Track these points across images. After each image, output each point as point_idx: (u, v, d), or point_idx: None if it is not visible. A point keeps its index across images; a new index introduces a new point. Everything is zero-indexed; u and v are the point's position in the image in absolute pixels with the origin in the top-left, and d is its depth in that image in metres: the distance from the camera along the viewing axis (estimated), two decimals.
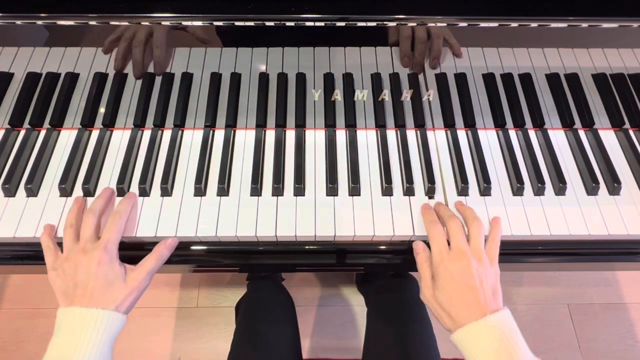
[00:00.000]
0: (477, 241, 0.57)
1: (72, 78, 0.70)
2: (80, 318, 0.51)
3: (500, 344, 0.50)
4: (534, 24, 0.59)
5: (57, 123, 0.70)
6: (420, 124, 0.71)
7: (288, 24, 0.58)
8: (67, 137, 0.70)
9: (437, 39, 0.63)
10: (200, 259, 0.66)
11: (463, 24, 0.59)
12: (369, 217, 0.63)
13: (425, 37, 0.62)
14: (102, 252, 0.54)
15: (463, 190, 0.65)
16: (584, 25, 0.59)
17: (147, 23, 0.58)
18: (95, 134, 0.71)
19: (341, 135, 0.71)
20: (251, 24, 0.59)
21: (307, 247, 0.65)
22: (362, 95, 0.69)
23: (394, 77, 0.69)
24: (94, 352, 0.50)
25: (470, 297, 0.53)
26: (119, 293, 0.54)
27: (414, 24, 0.59)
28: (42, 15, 0.57)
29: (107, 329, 0.52)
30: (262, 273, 1.15)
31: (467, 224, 0.59)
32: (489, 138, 0.72)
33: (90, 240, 0.56)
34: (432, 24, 0.59)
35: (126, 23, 0.58)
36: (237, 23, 0.59)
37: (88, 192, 0.64)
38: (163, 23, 0.59)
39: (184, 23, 0.59)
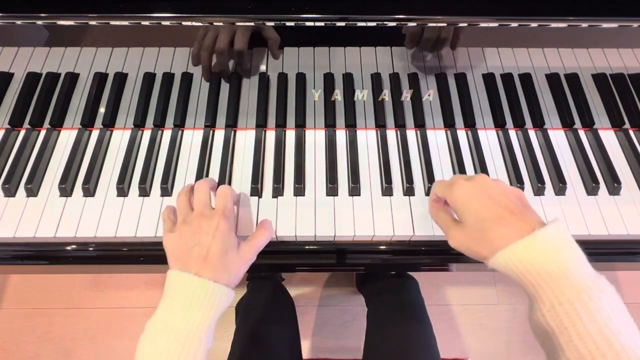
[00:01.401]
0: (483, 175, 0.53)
1: (72, 78, 0.70)
2: (195, 287, 0.49)
3: (554, 263, 0.43)
4: (534, 24, 0.59)
5: (57, 123, 0.70)
6: (420, 124, 0.71)
7: (288, 24, 0.58)
8: (67, 137, 0.70)
9: (441, 44, 0.64)
10: None
11: (463, 24, 0.59)
12: (369, 217, 0.63)
13: (434, 38, 0.63)
14: (222, 218, 0.53)
15: None
16: (584, 25, 0.59)
17: (147, 23, 0.58)
18: (95, 134, 0.71)
19: (341, 135, 0.71)
20: (251, 24, 0.59)
21: (307, 247, 0.65)
22: (362, 95, 0.69)
23: (394, 77, 0.69)
24: (202, 325, 0.48)
25: (499, 208, 0.47)
26: (232, 262, 0.53)
27: (414, 24, 0.59)
28: (42, 15, 0.57)
29: (218, 304, 0.50)
30: (262, 273, 1.15)
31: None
32: (489, 138, 0.72)
33: (207, 205, 0.55)
34: (433, 24, 0.59)
35: (126, 23, 0.58)
36: (237, 23, 0.59)
37: (88, 192, 0.64)
38: (163, 23, 0.59)
39: (184, 23, 0.58)
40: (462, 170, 0.66)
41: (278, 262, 0.68)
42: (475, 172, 0.67)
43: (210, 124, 0.70)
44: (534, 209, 0.49)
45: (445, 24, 0.59)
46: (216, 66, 0.67)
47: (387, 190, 0.65)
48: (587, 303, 0.40)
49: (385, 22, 0.59)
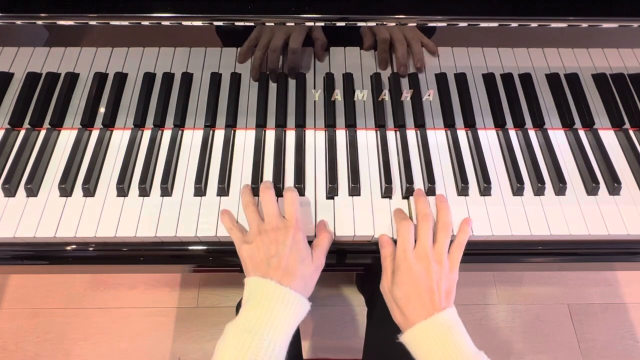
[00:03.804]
0: (442, 247, 0.58)
1: (72, 78, 0.70)
2: (276, 295, 0.52)
3: (445, 341, 0.52)
4: (534, 24, 0.59)
5: (57, 123, 0.70)
6: (420, 124, 0.71)
7: (288, 24, 0.58)
8: (67, 137, 0.70)
9: (414, 42, 0.63)
10: (200, 259, 0.66)
11: (463, 24, 0.59)
12: (369, 217, 0.63)
13: (403, 38, 0.63)
14: (296, 229, 0.56)
15: (463, 190, 0.65)
16: (584, 25, 0.59)
17: (147, 23, 0.58)
18: (95, 134, 0.71)
19: (341, 135, 0.71)
20: (251, 24, 0.59)
21: None
22: (362, 95, 0.69)
23: (394, 77, 0.69)
24: (284, 332, 0.51)
25: (425, 297, 0.55)
26: (308, 271, 0.56)
27: (414, 24, 0.59)
28: (42, 15, 0.57)
29: (297, 312, 0.53)
30: None
31: (437, 227, 0.60)
32: (489, 138, 0.72)
33: (278, 216, 0.58)
34: (434, 24, 0.59)
35: (126, 23, 0.58)
36: (237, 23, 0.59)
37: (88, 192, 0.64)
38: (163, 23, 0.59)
39: (184, 23, 0.58)
40: (462, 170, 0.66)
41: None
42: (476, 172, 0.67)
43: (210, 124, 0.70)
44: (454, 295, 0.57)
45: (445, 24, 0.59)
46: (268, 64, 0.67)
47: (387, 191, 0.65)
48: None
49: (385, 22, 0.59)
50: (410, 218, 0.63)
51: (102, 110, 0.70)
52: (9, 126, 0.71)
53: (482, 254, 0.66)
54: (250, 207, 0.60)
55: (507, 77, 0.71)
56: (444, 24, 0.59)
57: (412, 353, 0.55)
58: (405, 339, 0.55)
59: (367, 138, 0.71)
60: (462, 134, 0.71)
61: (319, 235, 0.60)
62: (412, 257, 0.57)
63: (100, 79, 0.70)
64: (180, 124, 0.70)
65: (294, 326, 0.52)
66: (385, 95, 0.69)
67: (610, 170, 0.67)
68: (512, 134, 0.72)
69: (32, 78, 0.69)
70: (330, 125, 0.70)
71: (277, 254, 0.54)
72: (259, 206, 0.61)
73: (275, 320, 0.50)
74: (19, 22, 0.58)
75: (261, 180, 0.66)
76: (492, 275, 1.46)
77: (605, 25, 0.59)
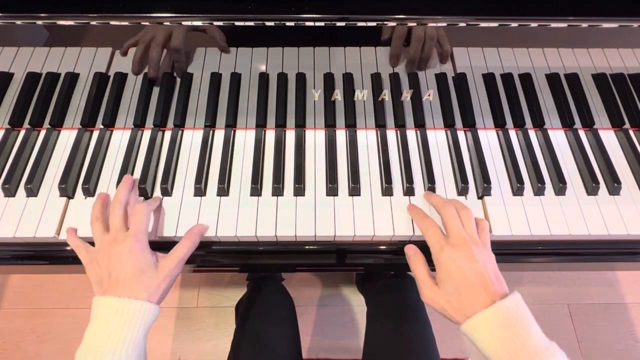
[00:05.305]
0: (471, 227, 0.57)
1: (72, 78, 0.70)
2: (114, 308, 0.52)
3: (512, 330, 0.48)
4: (534, 24, 0.59)
5: (57, 123, 0.70)
6: (420, 124, 0.71)
7: (288, 24, 0.58)
8: (67, 137, 0.70)
9: (430, 41, 0.63)
10: (200, 259, 0.66)
11: (463, 24, 0.59)
12: (369, 217, 0.63)
13: (423, 36, 0.62)
14: (134, 241, 0.55)
15: (463, 190, 0.65)
16: (584, 25, 0.59)
17: (147, 23, 0.58)
18: (95, 134, 0.71)
19: (341, 135, 0.71)
20: (251, 24, 0.59)
21: (307, 247, 0.65)
22: (362, 95, 0.69)
23: (394, 77, 0.69)
24: (126, 342, 0.51)
25: (476, 282, 0.51)
26: (151, 281, 0.55)
27: (414, 24, 0.59)
28: (42, 15, 0.57)
29: (140, 319, 0.52)
30: (262, 273, 1.15)
31: (457, 212, 0.59)
32: (489, 138, 0.72)
33: (120, 229, 0.57)
34: (433, 24, 0.59)
35: (126, 23, 0.58)
36: (237, 23, 0.59)
37: (88, 192, 0.64)
38: (163, 23, 0.59)
39: (184, 23, 0.58)
40: (462, 170, 0.66)
41: (278, 262, 0.68)
42: (474, 173, 0.67)
43: (210, 124, 0.70)
44: (503, 280, 0.53)
45: (445, 24, 0.59)
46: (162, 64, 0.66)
47: (387, 190, 0.65)
48: None
49: (385, 22, 0.59)
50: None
51: (102, 110, 0.70)
52: (9, 126, 0.71)
53: None
54: (94, 224, 0.58)
55: (507, 77, 0.71)
56: (444, 24, 0.59)
57: (473, 343, 0.51)
58: (465, 329, 0.51)
59: (367, 138, 0.71)
60: (462, 134, 0.71)
61: (179, 243, 0.59)
62: (450, 245, 0.54)
63: (100, 79, 0.70)
64: (180, 124, 0.70)
65: (139, 331, 0.52)
66: (385, 95, 0.69)
67: (610, 170, 0.67)
68: (512, 134, 0.72)
69: (32, 78, 0.69)
70: (330, 125, 0.70)
71: (114, 269, 0.54)
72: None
73: (115, 332, 0.50)
74: (19, 22, 0.58)
75: (261, 180, 0.66)
76: None
77: (605, 25, 0.59)
